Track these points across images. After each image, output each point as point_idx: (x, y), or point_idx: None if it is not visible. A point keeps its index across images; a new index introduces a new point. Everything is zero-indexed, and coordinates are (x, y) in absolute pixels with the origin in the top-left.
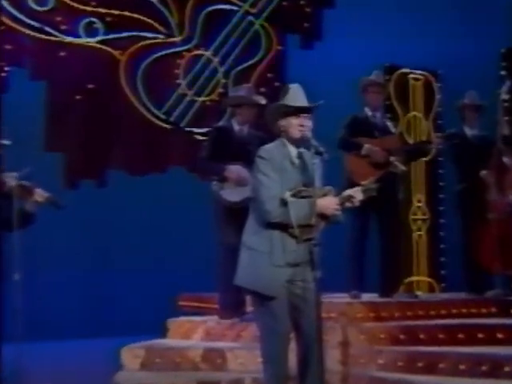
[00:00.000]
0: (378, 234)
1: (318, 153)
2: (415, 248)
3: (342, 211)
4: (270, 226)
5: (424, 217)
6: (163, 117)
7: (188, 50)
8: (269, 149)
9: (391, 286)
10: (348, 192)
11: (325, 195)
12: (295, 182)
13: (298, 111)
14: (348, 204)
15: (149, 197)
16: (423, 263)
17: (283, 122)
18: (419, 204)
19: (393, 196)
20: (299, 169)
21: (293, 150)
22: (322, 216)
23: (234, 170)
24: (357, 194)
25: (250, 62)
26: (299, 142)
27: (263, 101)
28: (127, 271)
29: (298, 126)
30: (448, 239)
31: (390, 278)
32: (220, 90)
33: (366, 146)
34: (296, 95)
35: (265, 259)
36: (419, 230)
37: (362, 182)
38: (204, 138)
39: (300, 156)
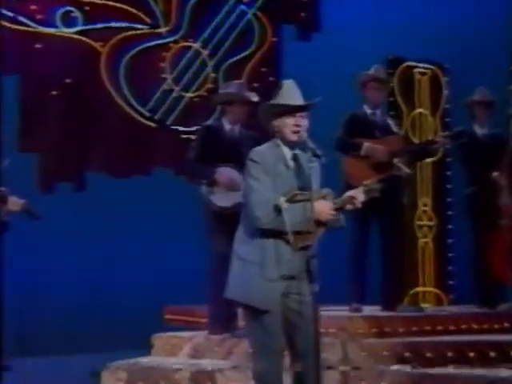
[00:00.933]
0: (380, 241)
1: (315, 155)
2: (421, 256)
3: (344, 214)
4: (263, 233)
5: (430, 222)
6: (148, 114)
7: (175, 42)
8: (261, 151)
9: (395, 299)
10: (349, 193)
11: (323, 198)
12: (290, 186)
13: (292, 110)
14: (349, 206)
15: (132, 201)
16: (430, 273)
17: (277, 122)
18: (425, 208)
19: (396, 200)
20: (294, 172)
21: (287, 152)
22: (318, 222)
23: (225, 172)
24: (358, 194)
25: (241, 55)
26: (294, 144)
27: (256, 98)
28: (108, 283)
29: (293, 126)
30: (456, 247)
31: (393, 290)
32: (209, 85)
33: (366, 144)
34: (290, 92)
35: (256, 271)
36: (425, 236)
37: (364, 182)
38: (192, 137)
39: (295, 158)
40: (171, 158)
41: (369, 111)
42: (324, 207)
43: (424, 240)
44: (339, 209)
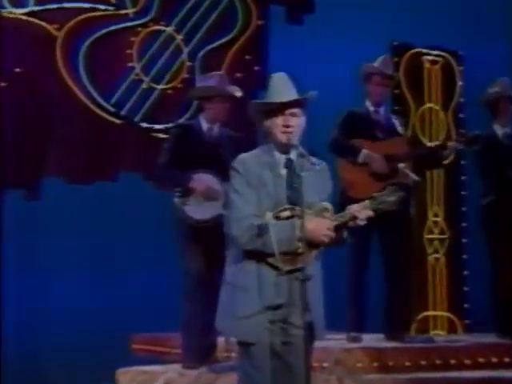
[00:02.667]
0: (383, 257)
1: (312, 163)
2: (431, 275)
3: (348, 229)
4: (245, 254)
5: (442, 235)
6: (112, 109)
7: (144, 25)
8: (244, 158)
9: (400, 326)
10: (352, 209)
11: (319, 214)
12: (279, 198)
13: (279, 107)
14: (350, 224)
15: (94, 212)
16: (441, 294)
17: (267, 123)
18: (436, 219)
19: (402, 210)
20: (286, 182)
21: (280, 158)
22: (311, 243)
23: (202, 180)
24: (364, 211)
25: (222, 41)
26: (287, 147)
27: (239, 93)
28: (68, 309)
29: (282, 126)
30: (472, 264)
31: (398, 315)
32: (184, 75)
33: (364, 151)
34: (279, 87)
35: (240, 297)
36: (436, 251)
37: (374, 194)
38: (164, 136)
39: (289, 165)
40: (140, 160)
41: (371, 108)
42: (319, 226)
43: (434, 256)
44: (339, 227)
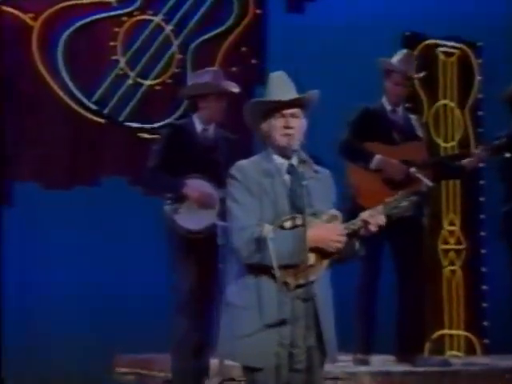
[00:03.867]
0: (395, 270)
1: (315, 170)
2: (446, 289)
3: (360, 240)
4: (247, 269)
5: (458, 246)
6: (94, 107)
7: (129, 15)
8: (243, 165)
9: (413, 346)
10: (364, 215)
11: (328, 222)
12: (282, 207)
13: (277, 107)
14: (362, 232)
15: (74, 220)
16: (458, 311)
17: (265, 126)
18: (452, 228)
19: (414, 219)
20: (290, 189)
21: (282, 164)
22: (322, 252)
23: (196, 186)
24: (376, 216)
25: (216, 31)
26: (288, 151)
27: (236, 89)
28: (47, 329)
29: (282, 127)
30: (492, 277)
31: (410, 334)
32: (174, 69)
33: (378, 157)
34: (278, 86)
35: (242, 316)
36: (452, 264)
37: (386, 199)
38: (152, 136)
39: (292, 171)
40: (125, 163)
41: (389, 107)
42: (329, 232)
43: (450, 268)
44: (350, 235)
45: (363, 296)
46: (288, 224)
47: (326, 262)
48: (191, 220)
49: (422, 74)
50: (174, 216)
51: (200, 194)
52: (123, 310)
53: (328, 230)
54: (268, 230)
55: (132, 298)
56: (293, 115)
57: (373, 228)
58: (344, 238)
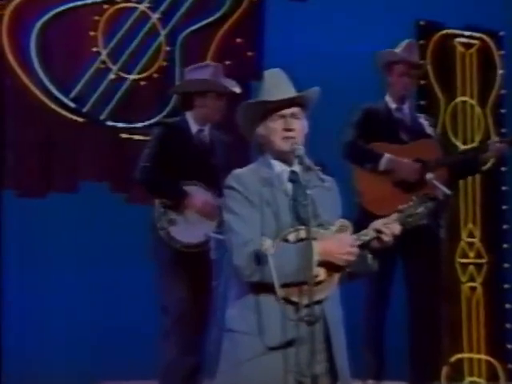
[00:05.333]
0: (408, 289)
1: (320, 179)
2: (466, 309)
3: (373, 254)
4: (250, 288)
5: (479, 260)
6: (72, 105)
7: (111, 2)
8: (240, 174)
9: (428, 371)
10: (377, 224)
11: (337, 233)
12: (285, 218)
13: (276, 107)
14: (375, 244)
15: (50, 231)
16: (478, 332)
17: (261, 130)
18: (471, 240)
19: (430, 232)
20: (293, 198)
21: (283, 171)
22: (332, 266)
23: (198, 196)
24: (391, 226)
25: (208, 20)
26: (289, 156)
27: (237, 88)
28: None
29: (282, 130)
30: None
31: (426, 358)
32: (161, 62)
33: (387, 156)
34: (273, 84)
35: (243, 341)
36: (472, 280)
37: (400, 207)
38: (136, 137)
39: (294, 178)
40: (106, 167)
41: (393, 105)
42: (339, 243)
43: (470, 285)
44: (362, 248)
45: (372, 317)
46: (291, 237)
47: (337, 278)
48: (188, 233)
49: (427, 63)
50: (169, 228)
51: (202, 205)
52: (106, 331)
53: (338, 242)
54: (268, 244)
55: (116, 319)
56: (293, 116)
57: (387, 238)
58: (356, 250)
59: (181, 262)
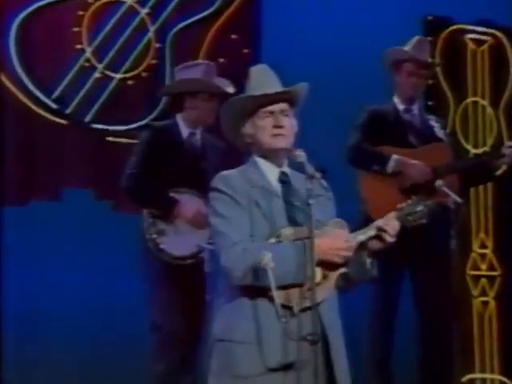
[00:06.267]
0: (415, 304)
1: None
2: (477, 324)
3: (373, 258)
4: (245, 294)
5: (491, 272)
6: (54, 106)
7: None
8: (227, 175)
9: None
10: (376, 223)
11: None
12: (277, 220)
13: (262, 103)
14: (376, 244)
15: (31, 242)
16: (491, 350)
17: (248, 129)
18: (483, 251)
19: (439, 243)
20: (284, 200)
21: (272, 171)
22: (328, 265)
23: (189, 205)
24: (390, 222)
25: (200, 15)
26: (280, 155)
27: (231, 88)
28: None
29: (271, 127)
30: None
31: (435, 378)
32: (151, 60)
33: (395, 157)
34: (260, 81)
35: (238, 352)
36: (484, 293)
37: (399, 205)
38: (123, 141)
39: (284, 179)
40: (92, 173)
41: (401, 107)
42: (334, 240)
43: (482, 299)
44: (362, 247)
45: (378, 334)
46: (287, 233)
47: (334, 278)
48: (179, 244)
49: (438, 62)
50: (159, 239)
51: (194, 214)
52: (92, 346)
53: (333, 238)
54: (268, 259)
55: (103, 336)
56: (282, 112)
57: (389, 238)
58: (353, 245)
59: (172, 275)
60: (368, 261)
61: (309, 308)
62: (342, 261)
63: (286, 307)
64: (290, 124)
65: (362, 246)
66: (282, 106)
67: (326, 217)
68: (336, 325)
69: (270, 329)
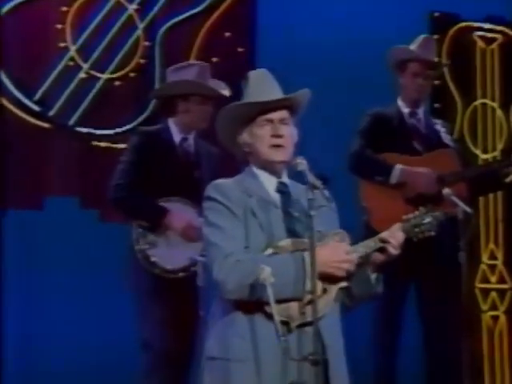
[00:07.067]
0: (421, 320)
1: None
2: (487, 341)
3: (378, 274)
4: (234, 307)
5: (502, 285)
6: (36, 108)
7: None
8: (222, 184)
9: None
10: (380, 234)
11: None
12: (276, 231)
13: (264, 111)
14: (379, 256)
15: (10, 253)
16: (502, 368)
17: (246, 138)
18: (493, 262)
19: (447, 255)
20: (283, 210)
21: (270, 181)
22: (328, 278)
23: (181, 214)
24: (395, 234)
25: (192, 12)
26: (278, 166)
27: (227, 91)
28: None
29: (270, 137)
30: None
31: None
32: (139, 60)
33: (398, 167)
34: (259, 87)
35: (233, 371)
36: (494, 308)
37: (405, 216)
38: (110, 145)
39: (283, 189)
40: (76, 180)
41: (406, 110)
42: (335, 252)
43: (491, 313)
44: (365, 260)
45: (381, 353)
46: (285, 244)
47: (334, 292)
48: (170, 256)
49: (445, 62)
50: (149, 251)
51: (186, 224)
52: (79, 365)
53: (333, 249)
54: (267, 273)
55: (86, 354)
56: (282, 121)
57: (392, 250)
58: (354, 259)
59: (163, 289)
60: (372, 276)
61: (309, 323)
62: (342, 274)
63: (284, 322)
64: (290, 133)
65: (365, 259)
66: (282, 113)
67: (327, 227)
68: (337, 342)
69: (267, 347)
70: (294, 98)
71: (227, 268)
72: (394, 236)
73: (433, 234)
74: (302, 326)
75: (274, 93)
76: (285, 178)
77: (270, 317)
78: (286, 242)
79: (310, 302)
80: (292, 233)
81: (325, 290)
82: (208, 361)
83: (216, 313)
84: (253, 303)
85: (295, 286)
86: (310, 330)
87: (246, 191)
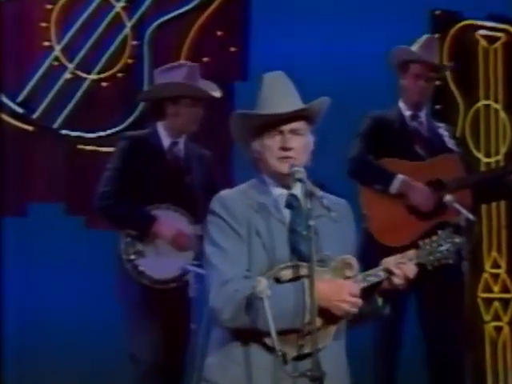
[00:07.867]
0: (422, 330)
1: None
2: (490, 352)
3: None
4: (235, 335)
5: (505, 295)
6: (20, 110)
7: None
8: (227, 197)
9: None
10: (388, 263)
11: (340, 271)
12: (280, 252)
13: (276, 122)
14: (384, 285)
15: None
16: (506, 381)
17: (257, 146)
18: (496, 271)
19: (450, 266)
20: (290, 229)
21: (280, 195)
22: (327, 314)
23: (170, 222)
24: (405, 266)
25: (182, 10)
26: (286, 179)
27: (217, 92)
28: None
29: (278, 149)
30: None
31: None
32: (127, 60)
33: (400, 178)
34: (273, 93)
35: None
36: (497, 318)
37: (421, 242)
38: (96, 149)
39: (293, 204)
40: (61, 185)
41: (407, 113)
42: (337, 289)
43: (495, 324)
44: (369, 290)
45: (382, 365)
46: (287, 274)
47: (332, 328)
48: (160, 266)
49: (449, 64)
50: (137, 260)
51: (175, 232)
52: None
53: (336, 287)
54: (264, 286)
55: (73, 364)
56: (294, 132)
57: (398, 281)
58: (358, 301)
59: (152, 300)
60: (379, 299)
61: (308, 355)
62: (341, 314)
63: (281, 355)
64: (301, 144)
65: (371, 288)
66: (295, 125)
67: (334, 247)
68: (338, 375)
69: (261, 370)
70: (309, 109)
71: (224, 297)
72: (403, 268)
73: (450, 261)
74: (301, 358)
75: (289, 101)
76: (296, 190)
77: (266, 346)
78: (288, 271)
79: (309, 333)
80: (297, 253)
81: (324, 324)
82: (202, 382)
83: (213, 335)
84: (250, 333)
85: (295, 316)
86: (308, 362)
87: (253, 206)
